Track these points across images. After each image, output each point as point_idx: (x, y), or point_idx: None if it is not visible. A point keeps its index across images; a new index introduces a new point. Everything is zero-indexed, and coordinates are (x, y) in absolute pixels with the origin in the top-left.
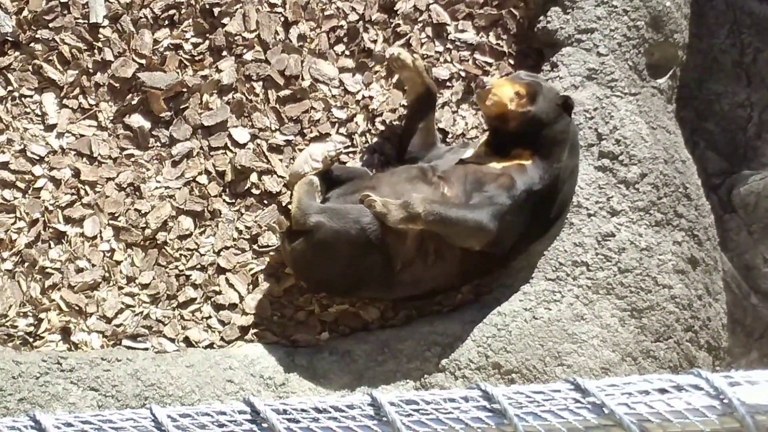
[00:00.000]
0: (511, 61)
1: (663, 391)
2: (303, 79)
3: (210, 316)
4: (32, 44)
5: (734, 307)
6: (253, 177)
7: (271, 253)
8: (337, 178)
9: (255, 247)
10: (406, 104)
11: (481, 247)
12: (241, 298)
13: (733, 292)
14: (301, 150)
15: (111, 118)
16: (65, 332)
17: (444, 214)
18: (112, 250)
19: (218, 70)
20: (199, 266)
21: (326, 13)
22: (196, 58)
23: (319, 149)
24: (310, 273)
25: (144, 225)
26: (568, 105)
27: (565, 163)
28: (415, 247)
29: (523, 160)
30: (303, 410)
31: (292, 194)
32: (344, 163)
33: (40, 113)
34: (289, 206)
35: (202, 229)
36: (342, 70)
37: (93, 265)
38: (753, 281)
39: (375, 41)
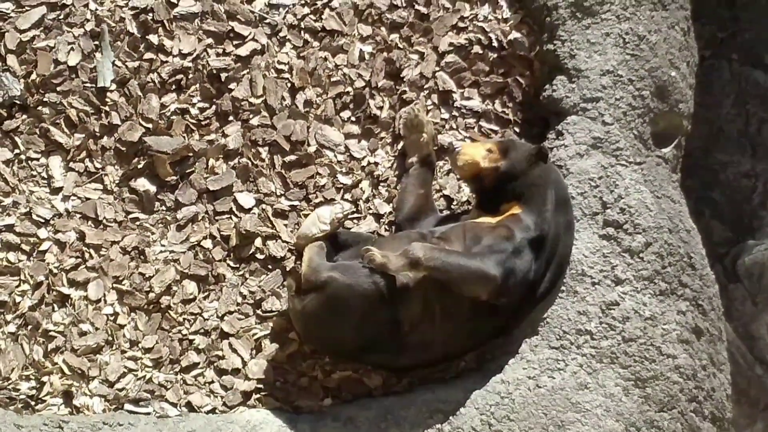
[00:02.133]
0: (517, 129)
1: None
2: (309, 145)
3: (213, 381)
4: (40, 107)
5: (739, 377)
6: (258, 242)
7: (275, 318)
8: (344, 242)
9: (259, 312)
10: (406, 168)
11: (488, 296)
12: (244, 363)
13: (737, 363)
14: (306, 215)
15: (117, 181)
16: (67, 396)
17: (445, 259)
18: (116, 314)
19: (224, 135)
20: (202, 331)
21: (333, 79)
22: (203, 123)
23: (326, 211)
24: (320, 332)
25: (148, 289)
26: (542, 153)
27: (557, 218)
28: (421, 308)
29: (514, 211)
30: None
31: (302, 256)
32: (349, 228)
33: (46, 176)
34: (296, 269)
35: (206, 294)
36: (348, 136)
37: (96, 329)
38: (758, 351)
39: (381, 108)
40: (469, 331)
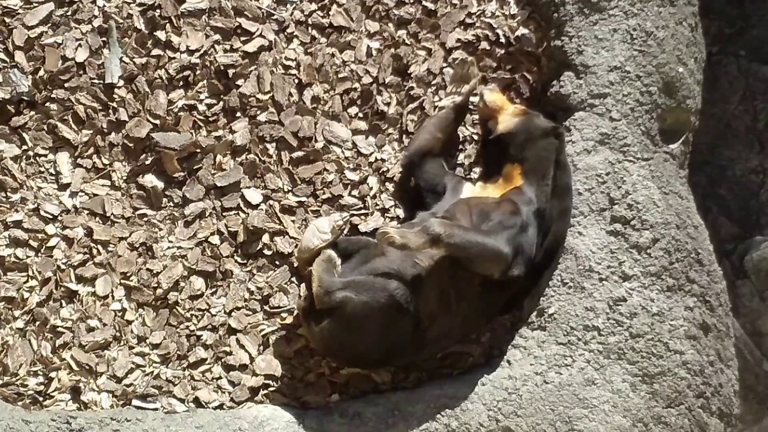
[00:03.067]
0: None
1: None
2: (316, 141)
3: (220, 377)
4: (48, 104)
5: (746, 373)
6: (265, 238)
7: (282, 314)
8: (344, 250)
9: (266, 308)
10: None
11: (500, 274)
12: (252, 359)
13: (745, 359)
14: (314, 211)
15: (124, 177)
16: (75, 391)
17: (464, 236)
18: (124, 310)
19: (232, 131)
20: (210, 326)
21: (340, 75)
22: (210, 119)
23: (324, 221)
24: (342, 351)
25: (156, 285)
26: (557, 132)
27: (552, 200)
28: (438, 299)
29: (517, 183)
30: None
31: (302, 272)
32: (356, 225)
33: (54, 172)
34: (303, 270)
35: (214, 290)
36: (355, 132)
37: (104, 325)
38: (765, 348)
39: (388, 104)
40: (482, 308)
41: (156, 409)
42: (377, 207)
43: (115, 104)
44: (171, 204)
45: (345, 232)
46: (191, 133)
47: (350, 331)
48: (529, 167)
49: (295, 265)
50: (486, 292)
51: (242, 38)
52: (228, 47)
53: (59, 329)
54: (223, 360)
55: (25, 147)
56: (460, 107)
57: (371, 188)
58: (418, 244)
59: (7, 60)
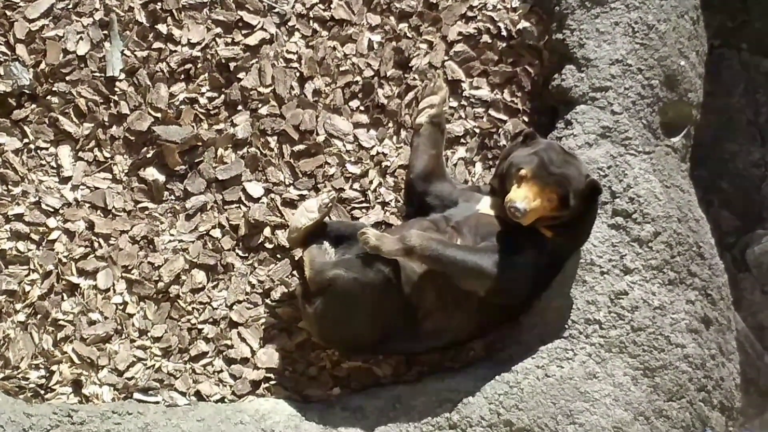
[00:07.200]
0: (525, 118)
1: None
2: (317, 134)
3: (221, 370)
4: (49, 97)
5: (748, 367)
6: (267, 231)
7: (284, 308)
8: (336, 231)
9: (267, 301)
10: (415, 129)
11: (485, 294)
12: (253, 353)
13: (746, 352)
14: None
15: (126, 171)
16: (77, 385)
17: (441, 251)
18: (125, 303)
19: (233, 125)
20: (211, 320)
21: (341, 68)
22: (212, 112)
23: (312, 202)
24: (336, 331)
25: (157, 278)
26: (595, 190)
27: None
28: (435, 296)
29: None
30: None
31: (295, 251)
32: (358, 218)
33: (55, 165)
34: (302, 263)
35: (215, 283)
36: (356, 125)
37: (105, 318)
38: (767, 341)
39: (389, 97)
40: (478, 320)
41: (157, 403)
42: (378, 200)
43: (116, 97)
44: (172, 197)
45: (331, 209)
46: (192, 127)
47: (342, 308)
48: (569, 234)
49: (296, 258)
50: (484, 308)
51: (243, 31)
52: (229, 40)
53: (60, 322)
54: (224, 353)
55: (26, 140)
56: (437, 118)
57: (372, 181)
58: (390, 250)
59: (9, 53)
